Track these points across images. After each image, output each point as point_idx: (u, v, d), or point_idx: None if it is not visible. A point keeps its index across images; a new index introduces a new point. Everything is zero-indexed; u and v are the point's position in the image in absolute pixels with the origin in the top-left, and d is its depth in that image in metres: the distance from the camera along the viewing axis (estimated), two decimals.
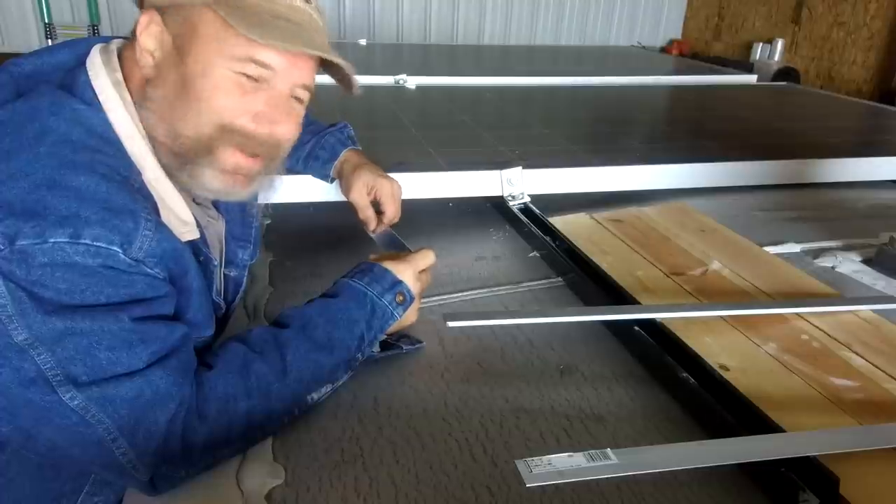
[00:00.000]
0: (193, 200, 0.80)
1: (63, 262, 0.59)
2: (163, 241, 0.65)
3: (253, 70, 0.70)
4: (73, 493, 0.76)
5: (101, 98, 0.69)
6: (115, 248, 0.61)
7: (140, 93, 0.72)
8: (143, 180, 0.70)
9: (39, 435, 0.62)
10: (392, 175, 1.30)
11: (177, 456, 0.65)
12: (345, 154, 1.15)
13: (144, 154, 0.70)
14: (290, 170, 1.20)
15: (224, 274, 0.87)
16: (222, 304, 0.85)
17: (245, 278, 0.93)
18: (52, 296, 0.59)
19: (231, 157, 0.73)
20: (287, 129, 0.76)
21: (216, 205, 0.88)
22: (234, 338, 0.76)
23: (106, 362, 0.61)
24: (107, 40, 0.75)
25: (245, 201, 0.91)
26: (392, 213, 1.10)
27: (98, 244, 0.60)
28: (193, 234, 0.75)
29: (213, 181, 0.74)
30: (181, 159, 0.72)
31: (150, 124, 0.72)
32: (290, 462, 0.70)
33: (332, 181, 1.17)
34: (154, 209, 0.68)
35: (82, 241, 0.59)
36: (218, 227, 0.86)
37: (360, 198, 1.10)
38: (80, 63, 0.71)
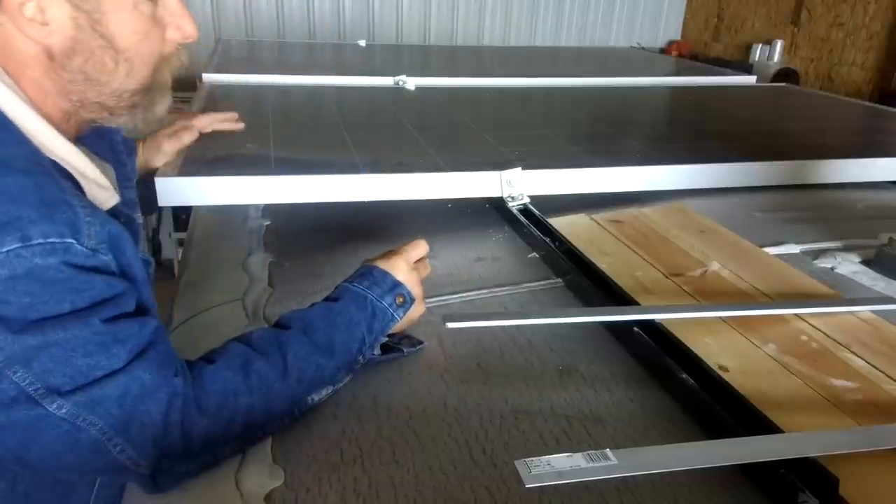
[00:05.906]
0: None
1: (24, 271, 0.57)
2: (105, 224, 0.64)
3: None
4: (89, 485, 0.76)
5: None
6: (68, 239, 0.59)
7: (41, 66, 0.68)
8: (51, 159, 0.67)
9: (28, 453, 0.61)
10: (392, 175, 1.30)
11: (177, 449, 0.65)
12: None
13: (40, 127, 0.67)
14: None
15: None
16: (150, 258, 0.84)
17: (141, 217, 0.90)
18: (16, 313, 0.57)
19: (169, 76, 0.77)
20: (192, 25, 0.76)
21: (94, 151, 0.83)
22: (235, 338, 0.76)
23: (85, 368, 0.60)
24: None
25: (109, 140, 0.88)
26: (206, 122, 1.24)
27: (51, 240, 0.58)
28: (115, 199, 0.72)
29: (164, 107, 0.77)
30: (132, 109, 0.74)
31: (73, 93, 0.70)
32: (289, 463, 0.70)
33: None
34: (78, 188, 0.66)
35: (34, 241, 0.57)
36: (110, 173, 0.83)
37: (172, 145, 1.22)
38: None
